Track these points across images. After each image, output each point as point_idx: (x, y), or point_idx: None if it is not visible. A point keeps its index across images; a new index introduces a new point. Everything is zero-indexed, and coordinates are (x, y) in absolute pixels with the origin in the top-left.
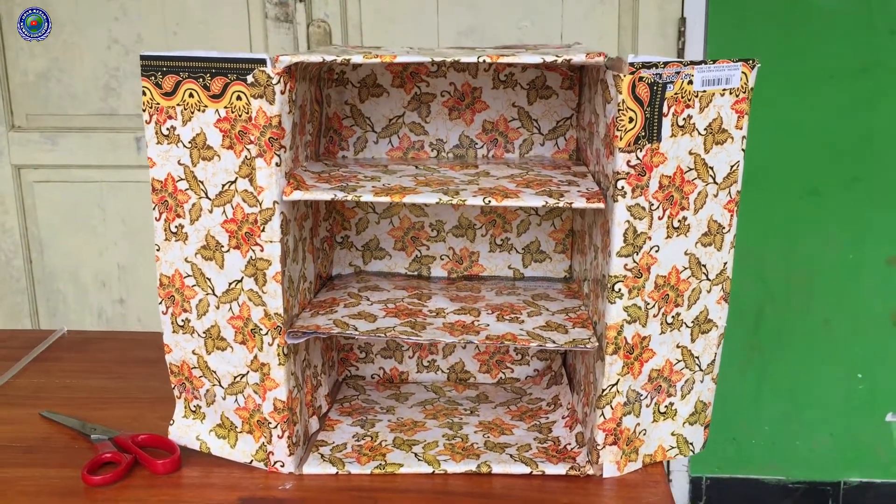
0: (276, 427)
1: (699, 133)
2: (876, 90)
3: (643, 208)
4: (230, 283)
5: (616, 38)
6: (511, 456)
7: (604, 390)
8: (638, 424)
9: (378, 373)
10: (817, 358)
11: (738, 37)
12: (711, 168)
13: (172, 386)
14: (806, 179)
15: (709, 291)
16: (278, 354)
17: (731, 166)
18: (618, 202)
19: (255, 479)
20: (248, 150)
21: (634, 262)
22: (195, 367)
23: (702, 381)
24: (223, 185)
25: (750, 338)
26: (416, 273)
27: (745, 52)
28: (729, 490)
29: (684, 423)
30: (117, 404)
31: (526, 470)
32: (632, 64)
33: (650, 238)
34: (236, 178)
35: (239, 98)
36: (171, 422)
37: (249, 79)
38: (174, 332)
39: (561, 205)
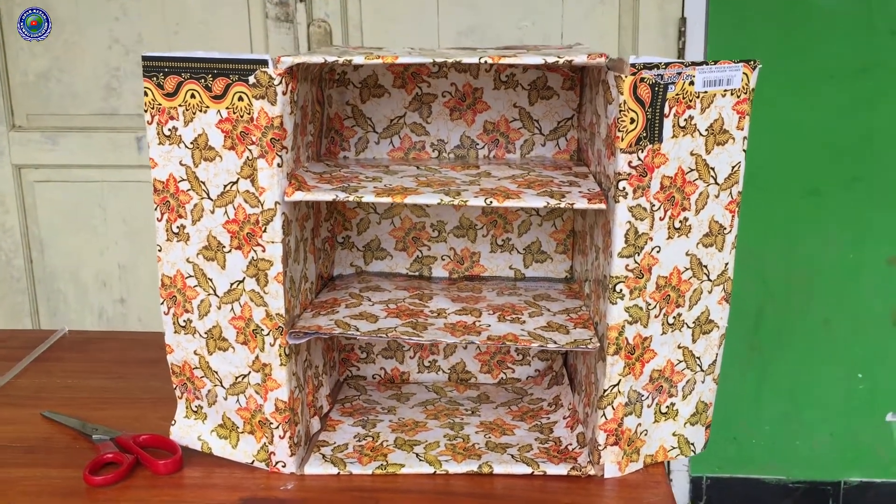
0: (277, 427)
1: (700, 134)
2: (876, 90)
3: (644, 209)
4: (232, 284)
5: (616, 38)
6: (512, 456)
7: (605, 391)
8: (639, 425)
9: (379, 373)
10: (817, 358)
11: (739, 37)
12: (713, 169)
13: (174, 386)
14: (806, 179)
15: (710, 292)
16: (280, 355)
17: (733, 167)
18: (619, 203)
19: (257, 480)
20: (249, 150)
21: (636, 262)
22: (197, 368)
23: (703, 382)
24: (225, 186)
25: (750, 338)
26: (417, 273)
27: (746, 52)
28: (729, 490)
29: (685, 423)
30: (118, 404)
31: (527, 470)
32: (633, 65)
33: (651, 239)
34: (238, 179)
35: (241, 99)
36: (173, 422)
37: (251, 79)
38: (176, 332)
39: (562, 205)
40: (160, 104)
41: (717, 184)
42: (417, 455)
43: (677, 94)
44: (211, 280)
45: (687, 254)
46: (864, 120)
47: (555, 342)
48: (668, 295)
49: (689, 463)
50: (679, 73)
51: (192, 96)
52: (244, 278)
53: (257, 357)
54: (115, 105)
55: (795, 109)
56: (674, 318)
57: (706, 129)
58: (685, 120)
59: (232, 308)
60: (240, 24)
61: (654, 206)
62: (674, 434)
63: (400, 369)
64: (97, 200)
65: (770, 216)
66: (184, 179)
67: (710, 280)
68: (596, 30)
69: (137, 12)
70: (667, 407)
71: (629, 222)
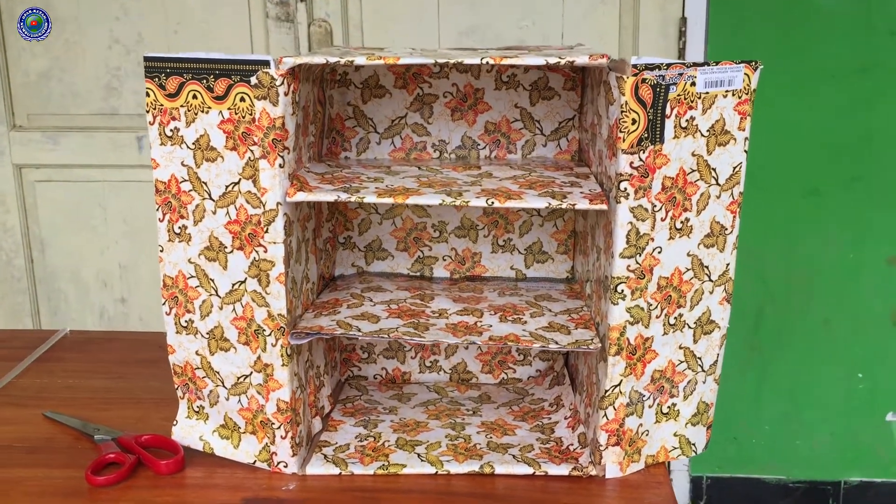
0: (279, 428)
1: (702, 134)
2: (875, 90)
3: (646, 210)
4: (233, 284)
5: (617, 38)
6: (514, 456)
7: (606, 391)
8: (640, 425)
9: (380, 373)
10: (817, 358)
11: (739, 37)
12: (714, 169)
13: (176, 386)
14: (806, 179)
15: (711, 292)
16: (281, 355)
17: (734, 167)
18: (620, 203)
19: (259, 480)
20: (251, 151)
21: (637, 263)
22: (198, 368)
23: (704, 382)
24: (227, 187)
25: (750, 337)
26: (418, 274)
27: (746, 53)
28: (730, 489)
29: (687, 423)
30: (120, 405)
31: (529, 471)
32: (635, 66)
33: (653, 239)
34: (240, 180)
35: (242, 99)
36: (175, 422)
37: (253, 80)
38: (177, 332)
39: (564, 206)
40: (162, 105)
41: (719, 184)
42: (419, 455)
43: (679, 95)
44: (213, 280)
45: (688, 254)
46: (864, 120)
47: (556, 343)
48: (670, 295)
49: (689, 463)
50: (681, 74)
51: (194, 97)
52: (246, 279)
53: (259, 357)
54: (116, 105)
55: (795, 109)
56: (675, 318)
57: (707, 130)
58: (687, 121)
59: (234, 308)
60: (240, 23)
61: (655, 206)
62: (675, 434)
63: (401, 369)
64: (98, 200)
65: (770, 216)
66: (185, 180)
67: (712, 280)
68: (596, 30)
69: (138, 12)
70: (668, 407)
71: (630, 223)
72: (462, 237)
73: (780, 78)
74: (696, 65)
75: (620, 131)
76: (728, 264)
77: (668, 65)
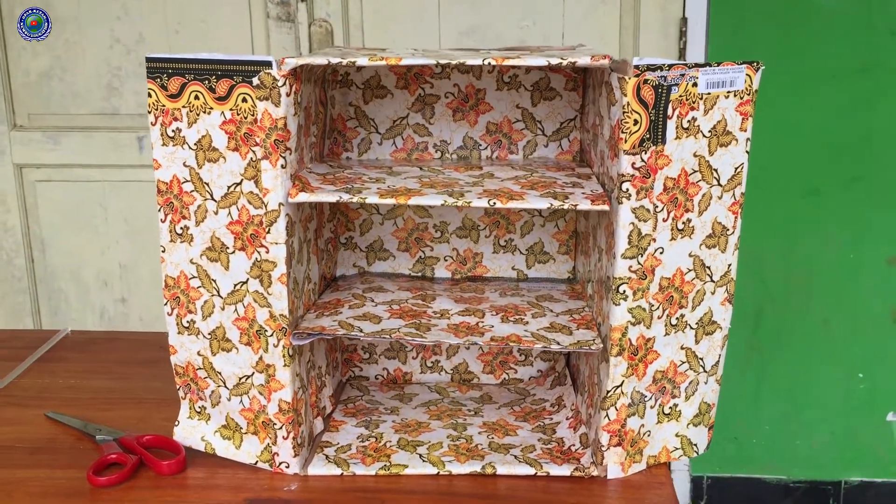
0: (281, 428)
1: (703, 135)
2: (876, 90)
3: (648, 210)
4: (235, 285)
5: (617, 38)
6: (515, 457)
7: (608, 392)
8: (642, 426)
9: (382, 373)
10: (817, 358)
11: (739, 37)
12: (716, 170)
13: (177, 387)
14: (806, 179)
15: (713, 293)
16: (283, 356)
17: (736, 168)
18: (622, 204)
19: (261, 480)
20: (253, 151)
21: (639, 263)
22: (200, 369)
23: (706, 383)
24: (228, 187)
25: (750, 337)
26: (419, 274)
27: (746, 53)
28: (730, 489)
29: (688, 424)
30: (122, 405)
31: (530, 471)
32: (636, 66)
33: (655, 240)
34: (242, 180)
35: (244, 100)
36: (176, 423)
37: (255, 81)
38: (179, 333)
39: (566, 207)
40: (164, 105)
41: (720, 185)
42: (421, 456)
43: (680, 96)
44: (214, 281)
45: (690, 255)
46: (864, 120)
47: (558, 343)
48: (671, 296)
49: (689, 462)
50: (682, 75)
51: (196, 98)
52: (248, 279)
53: (261, 358)
54: (117, 105)
55: (795, 109)
56: (677, 319)
57: (709, 131)
58: (688, 121)
59: (235, 309)
60: (241, 23)
61: (657, 207)
62: (677, 435)
63: (402, 370)
64: (98, 200)
65: (770, 216)
66: (187, 181)
67: (713, 281)
68: (597, 30)
69: (138, 12)
70: (670, 408)
71: (632, 223)
72: (463, 237)
73: (781, 78)
74: (697, 65)
75: (622, 132)
76: (730, 265)
77: (670, 66)
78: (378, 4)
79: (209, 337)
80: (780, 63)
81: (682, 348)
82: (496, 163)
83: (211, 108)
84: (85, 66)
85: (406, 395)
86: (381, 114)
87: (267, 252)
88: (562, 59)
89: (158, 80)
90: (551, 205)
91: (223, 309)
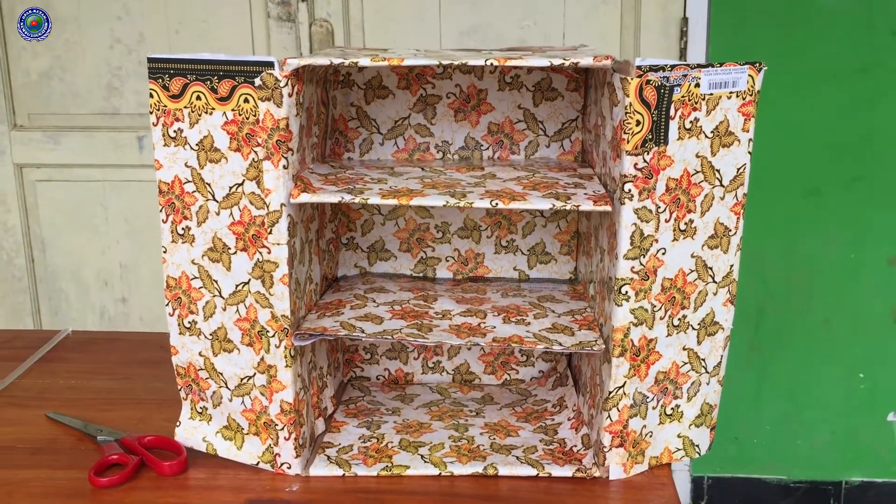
0: (282, 429)
1: (706, 136)
2: (876, 90)
3: (650, 211)
4: (237, 286)
5: (618, 38)
6: (517, 458)
7: (610, 392)
8: (644, 427)
9: (383, 374)
10: (818, 357)
11: (740, 37)
12: (718, 171)
13: (179, 387)
14: (807, 179)
15: (715, 294)
16: (285, 356)
17: (738, 169)
18: (625, 205)
19: (262, 481)
20: (255, 152)
21: (641, 264)
22: (202, 369)
23: (708, 384)
24: (230, 188)
25: (751, 337)
26: (421, 274)
27: (747, 53)
28: (731, 489)
29: (690, 425)
30: (123, 405)
31: (532, 472)
32: (639, 67)
33: (657, 241)
34: (243, 181)
35: (246, 101)
36: (178, 423)
37: (257, 81)
38: (181, 333)
39: (568, 207)
40: (165, 106)
41: (723, 186)
42: (422, 457)
43: (683, 97)
44: (216, 282)
45: (692, 256)
46: (865, 120)
47: (560, 344)
48: (674, 297)
49: (689, 463)
50: (685, 76)
51: (198, 98)
52: (249, 280)
53: (262, 359)
54: (117, 104)
55: (796, 109)
56: (679, 319)
57: (712, 132)
58: (691, 122)
59: (237, 310)
60: (241, 23)
61: (659, 208)
62: (679, 436)
63: (404, 370)
64: (99, 200)
65: (770, 216)
66: (189, 181)
67: (716, 282)
68: (598, 30)
69: (139, 11)
70: (672, 409)
71: (635, 224)
72: (465, 238)
73: (782, 78)
74: (700, 66)
75: (625, 133)
76: (732, 266)
77: (673, 66)
78: (379, 4)
79: (211, 337)
80: (780, 63)
81: (684, 349)
82: (498, 163)
83: (213, 109)
84: (85, 66)
85: (407, 396)
86: (383, 114)
87: (269, 253)
88: (564, 59)
89: (160, 80)
90: (553, 205)
91: (225, 309)
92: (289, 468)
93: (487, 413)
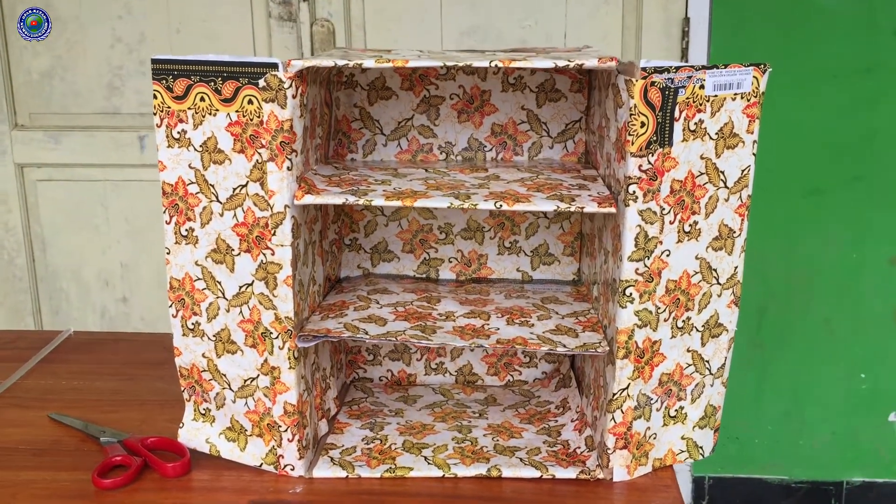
0: (286, 430)
1: (710, 137)
2: (878, 90)
3: (654, 213)
4: (241, 287)
5: (620, 38)
6: (521, 460)
7: (614, 394)
8: (648, 428)
9: (386, 375)
10: (819, 357)
11: (742, 37)
12: (722, 172)
13: (182, 389)
14: (808, 179)
15: (719, 295)
16: (289, 358)
17: (742, 170)
18: (629, 206)
19: (265, 483)
20: (259, 153)
21: (646, 266)
22: (205, 371)
23: (712, 385)
24: (234, 189)
25: (752, 337)
26: (424, 276)
27: (749, 53)
28: (731, 490)
29: (694, 426)
30: (126, 406)
31: (536, 474)
32: (644, 69)
33: (661, 242)
34: (247, 182)
35: (250, 102)
36: (181, 425)
37: (261, 83)
38: (184, 335)
39: (572, 209)
40: (169, 107)
41: (727, 187)
42: (426, 458)
43: (687, 98)
44: (219, 283)
45: (696, 257)
46: (866, 120)
47: (564, 345)
48: (678, 298)
49: (691, 463)
50: (689, 77)
51: (202, 99)
52: (253, 281)
53: (266, 360)
54: (118, 104)
55: (797, 109)
56: (683, 321)
57: (716, 133)
58: (695, 124)
59: (240, 311)
60: (243, 23)
61: (664, 209)
62: (682, 437)
63: (407, 371)
64: (99, 199)
65: (771, 216)
66: (193, 182)
67: (720, 284)
68: (599, 30)
69: (141, 11)
70: (676, 410)
71: (639, 226)
72: (468, 239)
73: (783, 78)
74: (705, 68)
75: (629, 134)
76: (736, 267)
77: (677, 68)
78: (380, 4)
79: (214, 339)
80: (782, 63)
81: (688, 351)
82: (501, 164)
83: (217, 110)
84: (86, 66)
85: (410, 397)
86: (386, 115)
87: (272, 254)
88: (569, 61)
89: (164, 81)
90: (558, 207)
91: (228, 311)
92: (292, 470)
93: (491, 414)
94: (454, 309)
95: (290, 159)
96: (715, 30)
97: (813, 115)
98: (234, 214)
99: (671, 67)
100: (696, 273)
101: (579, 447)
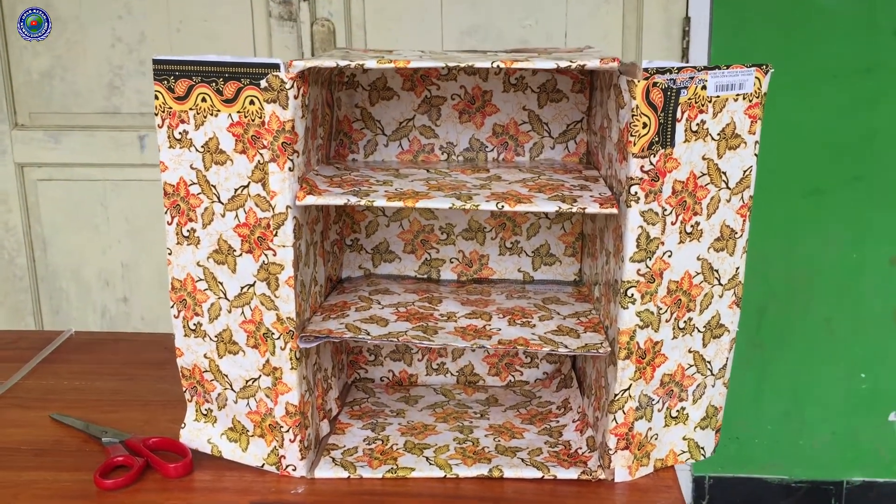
0: (287, 431)
1: (712, 138)
2: (878, 90)
3: (656, 213)
4: (242, 288)
5: (620, 37)
6: (522, 460)
7: (616, 395)
8: (650, 429)
9: (387, 375)
10: (819, 357)
11: (742, 37)
12: (724, 173)
13: (184, 389)
14: (808, 179)
15: (721, 296)
16: (290, 359)
17: (744, 171)
18: (631, 207)
19: (267, 483)
20: (261, 154)
21: (647, 267)
22: (207, 371)
23: (713, 386)
24: (236, 190)
25: (752, 337)
26: (425, 276)
27: (749, 53)
28: (732, 489)
29: (696, 427)
30: (128, 407)
31: (537, 474)
32: (646, 69)
33: (663, 243)
34: (249, 183)
35: (252, 103)
36: (183, 425)
37: (263, 83)
38: (186, 335)
39: (574, 210)
40: (171, 108)
41: (729, 188)
42: (427, 459)
43: (690, 99)
44: (221, 284)
45: (698, 258)
46: (866, 120)
47: (566, 346)
48: (680, 299)
49: (691, 463)
50: (691, 78)
51: (203, 100)
52: (255, 282)
53: (268, 361)
54: (118, 104)
55: (797, 109)
56: (685, 322)
57: (718, 134)
58: (697, 124)
59: (242, 312)
60: (243, 23)
61: (665, 210)
62: (684, 438)
63: (408, 371)
64: (100, 199)
65: (772, 215)
66: (194, 183)
67: (721, 284)
68: (600, 29)
69: (141, 10)
70: (677, 411)
71: (641, 227)
72: (469, 239)
73: (783, 78)
74: (707, 68)
75: (631, 135)
76: (738, 268)
77: (679, 68)
78: (380, 4)
79: (216, 339)
80: (782, 63)
81: (689, 351)
82: (502, 165)
83: (218, 111)
84: (86, 65)
85: (412, 398)
86: (388, 115)
87: (274, 255)
88: (570, 61)
89: (165, 82)
90: (560, 208)
91: (230, 312)
92: (294, 470)
93: (492, 415)
94: (455, 309)
95: (291, 160)
96: (715, 30)
97: (813, 115)
98: (236, 215)
99: (673, 68)
100: (698, 274)
101: (581, 448)
